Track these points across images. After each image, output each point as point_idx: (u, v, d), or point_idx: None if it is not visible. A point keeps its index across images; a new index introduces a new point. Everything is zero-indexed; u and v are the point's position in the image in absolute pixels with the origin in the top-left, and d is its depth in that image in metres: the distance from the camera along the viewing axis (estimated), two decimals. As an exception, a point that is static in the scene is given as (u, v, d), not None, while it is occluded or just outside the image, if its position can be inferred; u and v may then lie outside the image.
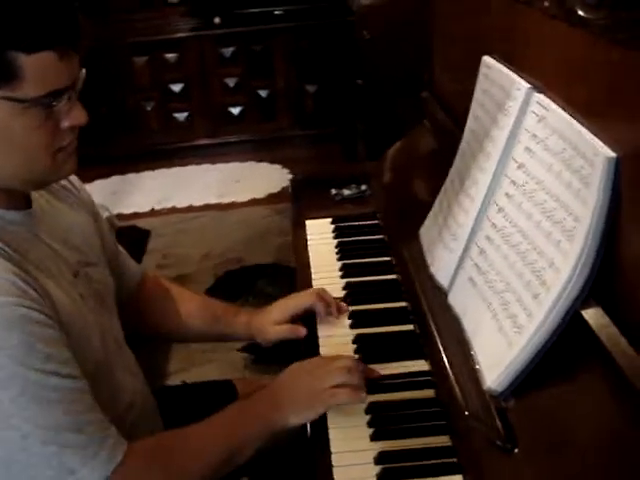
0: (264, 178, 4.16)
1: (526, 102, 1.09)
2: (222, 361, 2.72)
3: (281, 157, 4.32)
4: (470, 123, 1.32)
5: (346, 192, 1.83)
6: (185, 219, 3.80)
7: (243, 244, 3.51)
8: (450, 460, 1.01)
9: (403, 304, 1.37)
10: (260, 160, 4.35)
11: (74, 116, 0.99)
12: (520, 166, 1.06)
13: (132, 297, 1.39)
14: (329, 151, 4.21)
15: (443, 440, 1.05)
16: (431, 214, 1.39)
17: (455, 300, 1.17)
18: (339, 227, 1.69)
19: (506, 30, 1.23)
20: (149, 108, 4.34)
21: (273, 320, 1.38)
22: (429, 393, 1.14)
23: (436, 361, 1.11)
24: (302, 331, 1.34)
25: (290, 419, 1.11)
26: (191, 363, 2.71)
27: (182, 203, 3.96)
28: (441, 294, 1.21)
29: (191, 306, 1.44)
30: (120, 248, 1.40)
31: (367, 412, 1.12)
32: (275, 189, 4.03)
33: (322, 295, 1.37)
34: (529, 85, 1.10)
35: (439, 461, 1.01)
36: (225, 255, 3.41)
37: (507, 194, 1.07)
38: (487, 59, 1.28)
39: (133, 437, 1.09)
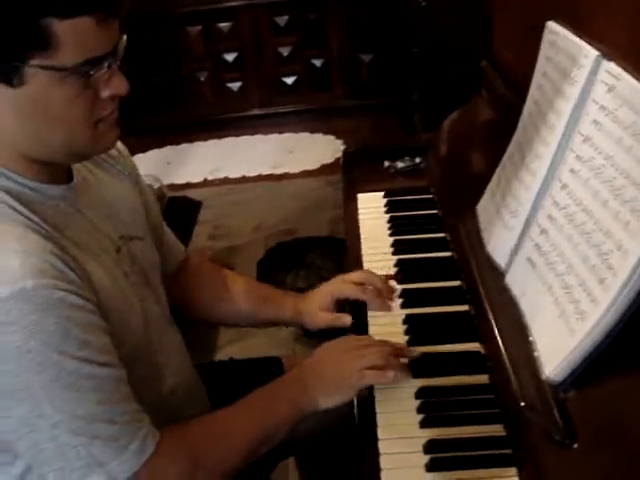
0: (317, 149, 4.10)
1: (594, 70, 1.01)
2: (271, 335, 2.70)
3: (335, 128, 4.25)
4: (533, 93, 1.24)
5: (400, 165, 1.76)
6: (237, 190, 3.78)
7: (295, 216, 3.48)
8: (504, 451, 0.96)
9: (457, 283, 1.31)
10: (314, 131, 4.29)
11: (114, 85, 0.95)
12: (586, 140, 0.98)
13: (173, 277, 1.36)
14: (384, 122, 4.12)
15: (497, 429, 1.00)
16: (489, 190, 1.32)
17: (513, 281, 1.10)
18: (392, 201, 1.63)
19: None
20: (202, 78, 4.30)
21: (319, 305, 1.33)
22: (483, 378, 1.09)
23: (491, 345, 1.06)
24: (347, 320, 1.30)
25: (320, 402, 1.08)
26: (239, 336, 2.70)
27: (234, 174, 3.94)
28: (498, 274, 1.15)
29: (238, 289, 1.40)
30: (165, 226, 1.36)
31: (417, 397, 1.07)
32: (328, 160, 3.97)
33: (370, 281, 1.32)
34: (598, 52, 1.01)
35: (492, 452, 0.96)
36: (277, 227, 3.38)
37: (572, 170, 1.00)
38: (552, 25, 1.19)
39: (177, 420, 1.07)
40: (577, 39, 1.09)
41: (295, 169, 3.91)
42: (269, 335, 2.70)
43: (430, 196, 1.64)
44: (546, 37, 1.21)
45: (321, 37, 4.23)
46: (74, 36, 0.88)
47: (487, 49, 1.70)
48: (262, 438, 1.07)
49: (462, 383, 1.08)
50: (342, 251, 3.08)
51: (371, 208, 1.63)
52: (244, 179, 3.90)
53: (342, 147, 4.09)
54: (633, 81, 0.91)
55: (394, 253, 1.44)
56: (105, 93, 0.95)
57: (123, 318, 1.02)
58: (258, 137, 4.32)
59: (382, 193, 1.68)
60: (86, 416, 0.91)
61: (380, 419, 1.05)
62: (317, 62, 4.31)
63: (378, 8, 4.04)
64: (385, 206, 1.63)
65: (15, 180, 0.96)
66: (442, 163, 1.67)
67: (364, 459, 1.00)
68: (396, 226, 1.53)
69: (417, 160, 1.76)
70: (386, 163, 1.77)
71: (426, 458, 0.97)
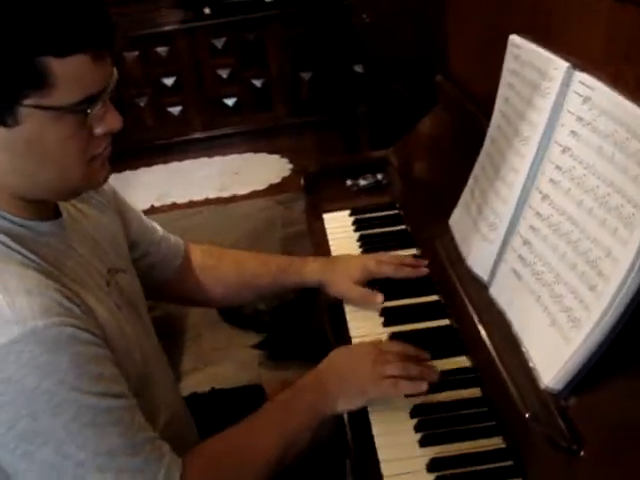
0: (264, 169, 4.10)
1: (566, 82, 1.03)
2: (236, 359, 2.68)
3: (279, 147, 4.26)
4: (499, 106, 1.26)
5: (362, 182, 1.77)
6: (186, 215, 3.74)
7: (248, 237, 3.45)
8: (507, 463, 0.96)
9: (435, 298, 1.32)
10: (258, 151, 4.29)
11: (109, 121, 0.92)
12: (565, 150, 1.00)
13: (182, 273, 1.36)
14: (328, 138, 4.15)
15: (496, 442, 1.00)
16: (461, 203, 1.34)
17: (498, 293, 1.11)
18: (359, 219, 1.64)
19: (535, 6, 1.17)
20: (142, 104, 4.26)
21: (350, 276, 1.34)
22: (475, 392, 1.09)
23: (483, 358, 1.06)
24: (380, 299, 1.31)
25: (339, 405, 1.08)
26: (204, 362, 2.66)
27: (182, 199, 3.90)
28: (481, 287, 1.16)
29: (253, 266, 1.41)
30: (156, 226, 1.36)
31: (412, 416, 1.07)
32: (276, 180, 3.97)
33: (405, 263, 1.37)
34: (568, 64, 1.04)
35: (495, 465, 0.96)
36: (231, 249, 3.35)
37: (552, 180, 1.02)
38: (515, 38, 1.22)
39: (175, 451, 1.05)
40: (544, 51, 1.11)
41: (243, 190, 3.90)
42: (233, 361, 2.67)
43: (396, 212, 1.65)
44: (510, 50, 1.23)
45: (260, 57, 4.24)
46: (71, 75, 0.85)
47: (441, 63, 1.73)
48: (284, 447, 1.04)
49: (455, 398, 1.09)
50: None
51: (339, 227, 1.63)
52: (192, 204, 3.86)
53: (288, 165, 4.11)
54: (609, 91, 0.93)
55: (370, 271, 1.43)
56: (99, 130, 0.92)
57: (125, 351, 1.00)
58: (202, 160, 4.29)
59: (348, 212, 1.69)
60: (110, 451, 0.88)
61: (379, 441, 1.04)
62: (257, 82, 4.32)
63: (315, 26, 4.08)
64: (353, 224, 1.63)
65: (6, 218, 0.93)
66: (406, 178, 1.68)
67: (368, 482, 0.99)
68: (367, 244, 1.54)
69: (379, 177, 1.77)
70: (348, 182, 1.78)
71: (431, 477, 0.96)
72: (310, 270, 1.38)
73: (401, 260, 1.39)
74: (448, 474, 0.96)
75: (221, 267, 1.40)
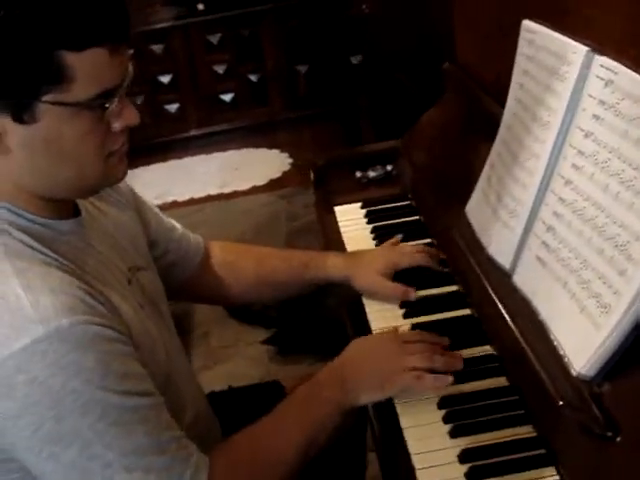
0: (263, 164, 4.09)
1: (586, 66, 1.02)
2: (245, 355, 2.67)
3: (278, 141, 4.24)
4: (514, 92, 1.25)
5: (372, 174, 1.76)
6: (188, 212, 3.72)
7: (251, 233, 3.45)
8: (539, 452, 0.96)
9: (454, 288, 1.31)
10: (257, 146, 4.27)
11: (126, 116, 0.91)
12: (587, 135, 0.99)
13: (201, 271, 1.35)
14: (327, 131, 4.14)
15: (527, 431, 0.99)
16: (478, 191, 1.33)
17: (522, 281, 1.10)
18: (371, 211, 1.63)
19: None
20: (139, 102, 4.23)
21: (376, 270, 1.31)
22: (501, 381, 1.09)
23: (511, 346, 1.05)
24: (413, 294, 1.28)
25: (361, 399, 1.06)
26: (213, 360, 2.66)
27: (183, 196, 3.88)
28: (503, 275, 1.15)
29: (274, 261, 1.39)
30: (175, 224, 1.35)
31: (440, 407, 1.06)
32: (276, 174, 3.96)
33: (431, 253, 1.36)
34: (587, 47, 1.03)
35: (528, 454, 0.96)
36: (234, 246, 3.34)
37: (574, 165, 1.01)
38: (528, 23, 1.20)
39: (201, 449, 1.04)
40: (561, 36, 1.10)
41: (244, 186, 3.89)
42: (243, 357, 2.66)
43: (408, 202, 1.64)
44: (523, 36, 1.22)
45: (256, 52, 4.22)
46: (88, 69, 0.84)
47: (448, 51, 1.72)
48: (308, 443, 1.03)
49: (481, 388, 1.08)
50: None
51: (351, 220, 1.62)
52: (193, 201, 3.85)
53: (288, 160, 4.09)
54: (632, 73, 0.92)
55: (386, 263, 1.42)
56: (117, 125, 0.91)
57: (150, 350, 0.99)
58: (201, 157, 4.28)
59: (359, 204, 1.67)
60: (137, 450, 0.87)
61: (408, 433, 1.03)
62: (253, 77, 4.30)
63: (310, 19, 4.06)
64: (365, 217, 1.62)
65: (26, 217, 0.93)
66: (416, 168, 1.67)
67: (399, 476, 0.98)
68: (381, 236, 1.53)
69: (388, 168, 1.76)
70: (358, 173, 1.76)
71: (464, 468, 0.96)
72: (333, 264, 1.35)
73: (424, 250, 1.37)
74: (481, 464, 0.96)
75: (240, 263, 1.39)
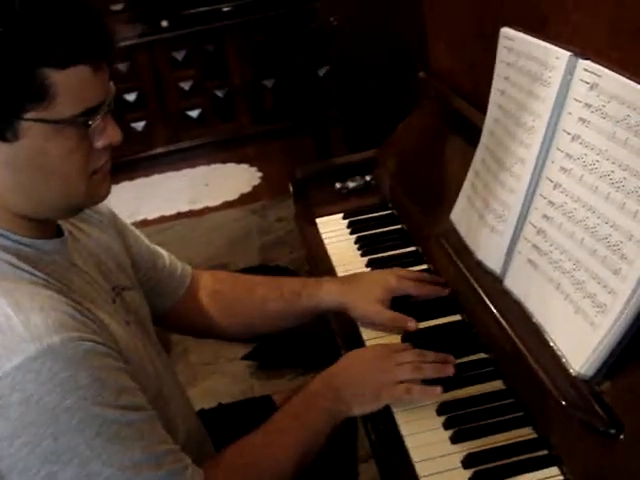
0: (233, 179, 4.07)
1: (570, 71, 1.04)
2: (226, 372, 2.65)
3: (247, 156, 4.24)
4: (495, 99, 1.27)
5: (351, 184, 1.76)
6: (159, 230, 3.68)
7: (224, 249, 3.43)
8: (541, 453, 0.96)
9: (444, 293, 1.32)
10: (226, 161, 4.26)
11: (109, 134, 0.92)
12: (574, 138, 1.01)
13: (187, 301, 1.31)
14: (296, 145, 4.15)
15: (527, 432, 1.00)
16: (462, 197, 1.34)
17: (513, 284, 1.11)
18: (353, 222, 1.63)
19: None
20: (104, 121, 4.20)
21: (373, 297, 1.25)
22: (497, 384, 1.10)
23: (508, 350, 1.06)
24: (413, 324, 1.22)
25: (353, 410, 1.07)
26: (195, 378, 2.63)
27: (152, 215, 3.85)
28: (494, 280, 1.16)
29: (264, 289, 1.33)
30: (162, 252, 1.31)
31: (439, 413, 1.06)
32: (246, 189, 3.95)
33: (423, 278, 1.32)
34: (569, 53, 1.05)
35: (530, 455, 0.96)
36: (208, 263, 3.31)
37: (562, 168, 1.02)
38: (507, 30, 1.22)
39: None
40: (541, 42, 1.12)
41: (214, 202, 3.87)
42: (224, 374, 2.64)
43: (389, 212, 1.65)
44: (502, 43, 1.24)
45: (221, 67, 4.22)
46: (71, 86, 0.84)
47: (421, 60, 1.73)
48: (301, 454, 1.04)
49: (479, 392, 1.09)
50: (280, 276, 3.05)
51: (334, 231, 1.62)
52: (163, 218, 3.81)
53: (258, 174, 4.09)
54: (617, 76, 0.94)
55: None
56: (100, 143, 0.91)
57: (139, 366, 0.98)
58: (170, 174, 4.25)
59: (341, 215, 1.68)
60: (134, 465, 0.86)
61: (409, 441, 1.03)
62: (220, 92, 4.29)
63: (275, 33, 4.07)
64: (348, 227, 1.62)
65: (10, 238, 0.92)
66: (396, 178, 1.68)
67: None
68: (365, 245, 1.53)
69: (367, 178, 1.77)
70: (337, 185, 1.77)
71: (468, 473, 0.96)
72: (327, 292, 1.29)
73: (421, 277, 1.32)
74: (484, 468, 0.96)
75: (230, 293, 1.34)
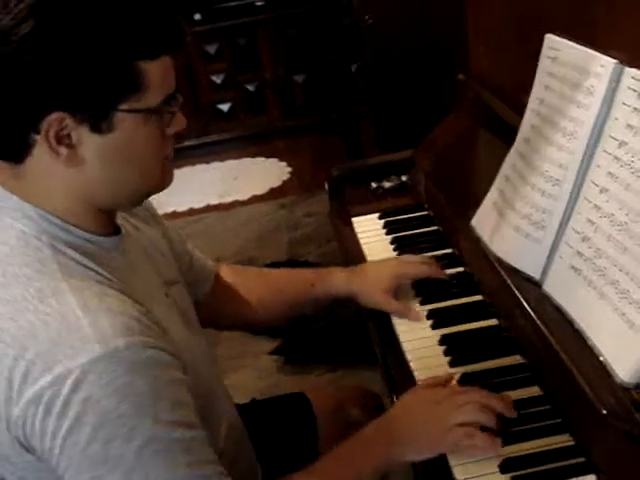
0: (262, 173, 4.09)
1: (615, 79, 1.03)
2: (253, 366, 2.67)
3: (276, 150, 4.25)
4: (534, 106, 1.26)
5: (387, 184, 1.77)
6: (188, 223, 3.72)
7: (253, 243, 3.45)
8: (578, 460, 0.97)
9: (479, 297, 1.33)
10: (255, 155, 4.28)
11: (179, 121, 0.96)
12: (621, 144, 1.00)
13: (212, 296, 1.35)
14: (325, 141, 4.16)
15: (565, 439, 1.00)
16: (487, 203, 1.34)
17: (553, 290, 1.11)
18: (389, 222, 1.64)
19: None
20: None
21: (381, 286, 1.33)
22: (534, 390, 1.10)
23: (547, 355, 1.05)
24: (414, 315, 1.31)
25: (409, 455, 1.02)
26: (221, 371, 2.65)
27: (182, 207, 3.88)
28: (534, 285, 1.16)
29: (281, 283, 1.40)
30: (189, 246, 1.34)
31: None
32: (275, 183, 3.97)
33: (431, 265, 1.38)
34: (615, 60, 1.04)
35: (568, 462, 0.97)
36: (237, 256, 3.34)
37: (610, 173, 1.02)
38: (552, 38, 1.21)
39: (235, 465, 1.04)
40: (586, 49, 1.12)
41: (243, 196, 3.88)
42: (251, 368, 2.66)
43: (425, 213, 1.65)
44: (545, 52, 1.23)
45: (253, 61, 4.23)
46: (159, 76, 0.89)
47: (461, 62, 1.73)
48: None
49: (517, 397, 1.08)
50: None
51: (370, 231, 1.63)
52: (193, 211, 3.84)
53: (287, 169, 4.10)
54: (666, 85, 0.94)
55: (409, 273, 1.43)
56: (171, 130, 0.95)
57: (193, 365, 0.98)
58: (200, 167, 4.27)
59: (376, 215, 1.68)
60: None
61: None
62: (251, 86, 4.31)
63: (308, 28, 4.08)
64: (384, 227, 1.63)
65: (76, 234, 0.93)
66: (432, 179, 1.68)
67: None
68: (401, 247, 1.54)
69: (403, 178, 1.77)
70: (373, 184, 1.77)
71: (506, 478, 0.96)
72: (338, 281, 1.37)
73: (425, 261, 1.40)
74: (522, 474, 0.97)
75: (248, 284, 1.39)
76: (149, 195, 1.01)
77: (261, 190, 3.91)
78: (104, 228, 0.97)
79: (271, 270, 1.49)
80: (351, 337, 2.60)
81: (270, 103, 4.34)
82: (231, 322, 1.43)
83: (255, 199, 3.85)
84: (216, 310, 1.36)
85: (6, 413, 0.85)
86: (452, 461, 1.00)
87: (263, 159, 4.24)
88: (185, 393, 0.91)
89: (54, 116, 0.85)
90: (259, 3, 4.04)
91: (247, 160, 4.27)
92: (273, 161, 4.20)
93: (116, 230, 1.02)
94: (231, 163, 4.26)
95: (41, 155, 0.89)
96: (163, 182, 0.98)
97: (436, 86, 2.11)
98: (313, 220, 3.56)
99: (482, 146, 1.58)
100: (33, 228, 0.91)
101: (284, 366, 2.66)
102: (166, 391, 0.87)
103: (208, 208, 3.85)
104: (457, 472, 0.99)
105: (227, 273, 1.40)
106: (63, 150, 0.88)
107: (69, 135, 0.87)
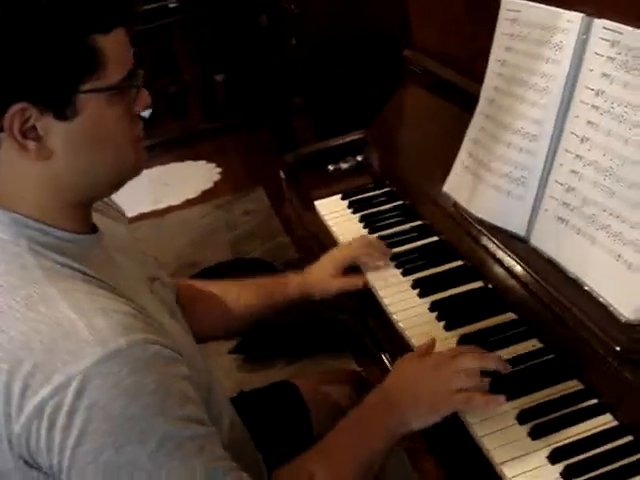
0: (193, 176, 4.03)
1: (584, 31, 1.07)
2: (214, 367, 2.62)
3: (204, 152, 4.20)
4: (494, 68, 1.29)
5: (344, 165, 1.77)
6: (123, 233, 3.62)
7: (193, 246, 3.39)
8: (591, 402, 0.99)
9: (460, 262, 1.34)
10: (183, 159, 4.21)
11: (143, 99, 0.93)
12: (599, 93, 1.03)
13: None
14: (252, 137, 4.14)
15: (573, 385, 1.02)
16: (458, 167, 1.36)
17: (542, 243, 1.13)
18: (353, 201, 1.64)
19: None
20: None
21: (329, 273, 1.37)
22: (533, 343, 1.12)
23: (548, 306, 1.08)
24: (360, 282, 1.36)
25: (413, 424, 1.01)
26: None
27: (114, 218, 3.77)
28: (519, 241, 1.18)
29: (243, 294, 1.38)
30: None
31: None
32: (207, 185, 3.92)
33: (369, 243, 1.41)
34: (582, 14, 1.07)
35: (581, 406, 0.99)
36: (179, 260, 3.27)
37: (590, 122, 1.05)
38: (508, 0, 1.24)
39: (239, 460, 1.01)
40: (548, 7, 1.14)
41: (177, 201, 3.82)
42: (214, 369, 2.61)
43: (387, 189, 1.66)
44: (503, 15, 1.26)
45: (172, 64, 4.16)
46: (115, 50, 0.85)
47: (405, 39, 1.74)
48: (364, 470, 1.00)
49: (517, 352, 1.10)
50: (257, 269, 3.03)
51: (336, 212, 1.63)
52: (128, 221, 3.74)
53: (216, 170, 4.06)
54: (637, 31, 0.97)
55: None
56: (138, 108, 0.92)
57: (192, 364, 0.94)
58: (127, 176, 4.17)
59: (339, 196, 1.68)
60: None
61: (488, 442, 0.97)
62: (171, 90, 4.23)
63: (224, 26, 4.04)
64: (349, 207, 1.63)
65: (54, 235, 0.89)
66: (389, 155, 1.69)
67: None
68: (371, 223, 1.54)
69: (359, 158, 1.78)
70: (330, 167, 1.77)
71: (526, 428, 0.98)
72: (293, 285, 1.39)
73: (368, 242, 1.43)
74: (541, 422, 0.98)
75: (208, 299, 1.37)
76: (125, 180, 0.96)
77: (194, 193, 3.85)
78: (81, 226, 0.93)
79: (231, 283, 1.43)
80: (309, 327, 2.61)
81: (192, 105, 4.29)
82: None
83: (189, 203, 3.79)
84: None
85: (7, 431, 0.80)
86: (470, 419, 1.01)
87: (191, 162, 4.18)
88: (192, 388, 0.87)
89: (15, 108, 0.82)
90: (172, 5, 3.98)
91: (175, 165, 4.20)
92: (202, 163, 4.15)
93: (93, 228, 0.98)
94: (159, 169, 4.17)
95: (8, 154, 0.85)
96: (138, 164, 0.95)
97: (377, 68, 2.12)
98: (251, 218, 3.54)
99: (437, 115, 1.59)
100: (9, 234, 0.87)
101: (244, 364, 2.63)
102: (174, 387, 0.83)
103: (142, 216, 3.76)
104: (477, 429, 1.00)
105: (188, 290, 1.35)
106: (31, 144, 0.84)
107: (34, 127, 0.83)
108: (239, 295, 1.38)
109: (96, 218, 1.02)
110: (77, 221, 0.93)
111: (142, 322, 0.84)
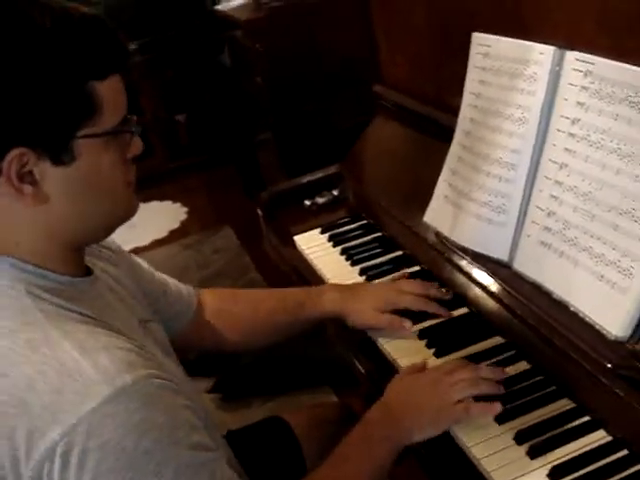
0: (159, 217, 4.02)
1: (557, 63, 1.12)
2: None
3: (169, 192, 4.20)
4: (469, 101, 1.33)
5: (320, 200, 1.80)
6: (91, 277, 3.59)
7: (164, 287, 3.37)
8: (584, 419, 1.01)
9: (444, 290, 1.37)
10: (148, 200, 4.20)
11: (136, 144, 0.94)
12: (574, 121, 1.08)
13: (197, 323, 1.32)
14: (216, 176, 4.16)
15: (565, 404, 1.05)
16: (438, 197, 1.40)
17: (526, 267, 1.16)
18: (333, 235, 1.66)
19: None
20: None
21: (373, 306, 1.29)
22: (523, 365, 1.14)
23: (536, 327, 1.11)
24: (408, 324, 1.26)
25: (414, 436, 1.04)
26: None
27: (82, 261, 3.74)
28: (502, 267, 1.21)
29: (269, 302, 1.38)
30: (163, 277, 1.31)
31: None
32: (174, 225, 3.92)
33: (426, 291, 1.31)
34: (554, 47, 1.12)
35: (575, 423, 1.01)
36: (149, 302, 3.26)
37: (567, 149, 1.09)
38: (479, 35, 1.30)
39: None
40: (519, 41, 1.19)
41: (144, 242, 3.80)
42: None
43: (365, 222, 1.68)
44: (475, 49, 1.31)
45: (134, 105, 4.15)
46: (111, 96, 0.87)
47: (372, 73, 1.79)
48: None
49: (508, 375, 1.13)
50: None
51: (316, 246, 1.64)
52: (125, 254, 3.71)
53: (183, 209, 4.06)
54: (609, 61, 1.02)
55: (369, 279, 1.46)
56: (130, 154, 0.93)
57: (190, 399, 0.95)
58: (92, 219, 4.14)
59: (317, 230, 1.70)
60: None
61: (487, 464, 0.99)
62: (134, 131, 4.24)
63: (184, 67, 4.08)
64: (329, 241, 1.65)
65: (50, 278, 0.90)
66: (367, 188, 1.72)
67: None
68: (352, 256, 1.56)
69: (335, 193, 1.81)
70: (307, 202, 1.80)
71: (524, 448, 0.99)
72: (329, 299, 1.32)
73: (424, 289, 1.32)
74: (537, 442, 0.99)
75: (236, 309, 1.37)
76: (118, 224, 0.98)
77: (161, 234, 3.84)
78: (76, 269, 0.94)
79: (260, 291, 1.44)
80: (286, 364, 2.61)
81: (155, 146, 4.29)
82: (215, 349, 1.40)
83: (157, 243, 3.78)
84: (200, 337, 1.35)
85: (14, 476, 0.80)
86: (468, 442, 1.03)
87: (157, 202, 4.17)
88: (195, 418, 0.89)
89: (14, 152, 0.83)
90: (132, 47, 4.00)
91: (141, 205, 4.15)
92: (167, 203, 4.15)
93: (87, 271, 0.99)
94: (124, 211, 4.16)
95: (4, 198, 0.86)
96: (132, 208, 0.97)
97: (344, 103, 2.16)
98: (220, 256, 3.54)
99: (410, 146, 1.63)
100: (5, 278, 0.88)
101: (222, 403, 2.62)
102: (180, 417, 0.85)
103: (109, 259, 3.73)
104: (475, 451, 1.01)
105: (213, 299, 1.37)
106: (27, 188, 0.85)
107: (31, 172, 0.85)
108: (269, 303, 1.37)
109: (89, 261, 1.03)
110: (72, 265, 0.94)
111: (143, 358, 0.85)
